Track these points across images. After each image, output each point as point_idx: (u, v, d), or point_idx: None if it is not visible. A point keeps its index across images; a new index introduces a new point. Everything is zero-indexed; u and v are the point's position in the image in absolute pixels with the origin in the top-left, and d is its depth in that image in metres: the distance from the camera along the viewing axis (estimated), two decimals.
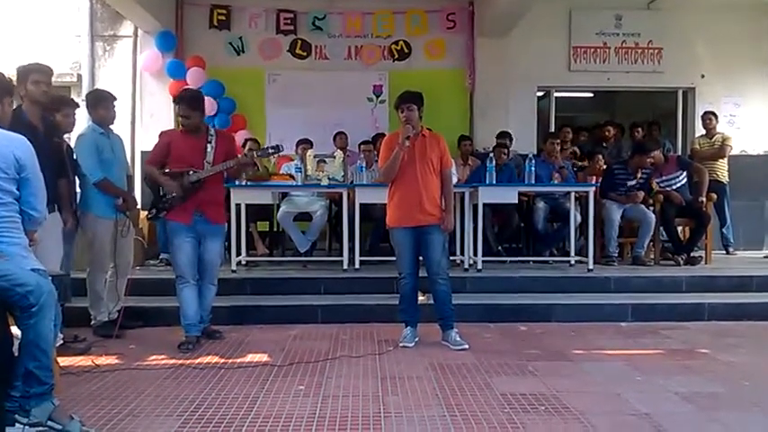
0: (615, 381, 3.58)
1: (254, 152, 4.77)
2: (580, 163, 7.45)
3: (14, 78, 3.82)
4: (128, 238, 4.76)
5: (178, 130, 4.44)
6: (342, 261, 5.93)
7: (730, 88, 8.32)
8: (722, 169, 7.55)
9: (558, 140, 7.02)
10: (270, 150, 4.77)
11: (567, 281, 5.80)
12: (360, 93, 8.12)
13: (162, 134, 4.50)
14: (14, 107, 3.75)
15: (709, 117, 7.63)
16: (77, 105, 4.64)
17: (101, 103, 4.62)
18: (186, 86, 7.57)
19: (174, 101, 4.38)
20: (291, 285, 5.66)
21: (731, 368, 3.89)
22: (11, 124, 3.12)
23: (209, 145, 4.31)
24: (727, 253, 7.55)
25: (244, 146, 6.73)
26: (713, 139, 7.59)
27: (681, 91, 8.60)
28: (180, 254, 4.31)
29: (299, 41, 8.05)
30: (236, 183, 5.78)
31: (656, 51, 8.28)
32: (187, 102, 4.31)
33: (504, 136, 7.34)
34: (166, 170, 4.30)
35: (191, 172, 4.24)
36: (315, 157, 6.50)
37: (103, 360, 4.03)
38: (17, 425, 2.64)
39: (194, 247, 4.33)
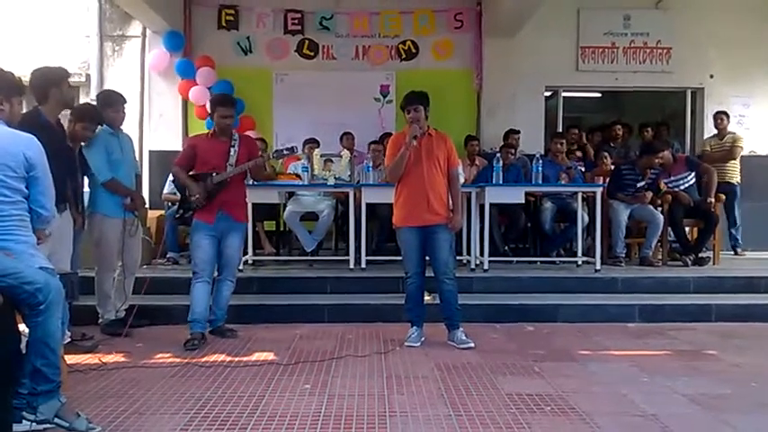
0: (622, 381, 3.57)
1: (270, 153, 4.84)
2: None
3: (39, 80, 3.87)
4: (135, 238, 4.79)
5: (203, 135, 4.75)
6: (348, 260, 5.93)
7: (739, 88, 8.26)
8: (733, 171, 7.51)
9: (564, 140, 6.99)
10: (285, 152, 4.85)
11: (574, 281, 5.78)
12: (367, 93, 8.12)
13: (189, 138, 4.71)
14: (28, 109, 3.81)
15: (720, 117, 7.60)
16: (100, 123, 4.54)
17: (110, 106, 4.64)
18: (196, 85, 7.66)
19: (212, 102, 4.67)
20: (298, 284, 5.68)
21: (739, 369, 3.87)
22: (29, 125, 3.15)
23: (232, 149, 4.49)
24: (736, 254, 7.50)
25: None
26: (724, 140, 7.55)
27: (689, 91, 8.54)
28: (198, 250, 4.42)
29: (307, 41, 8.06)
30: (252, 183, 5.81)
31: (665, 51, 8.24)
32: (226, 102, 4.58)
33: (511, 133, 7.37)
34: (191, 173, 4.51)
35: (214, 174, 4.41)
36: (321, 156, 6.51)
37: (110, 358, 4.05)
38: (24, 422, 2.66)
39: (213, 244, 4.44)
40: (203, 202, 4.40)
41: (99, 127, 4.52)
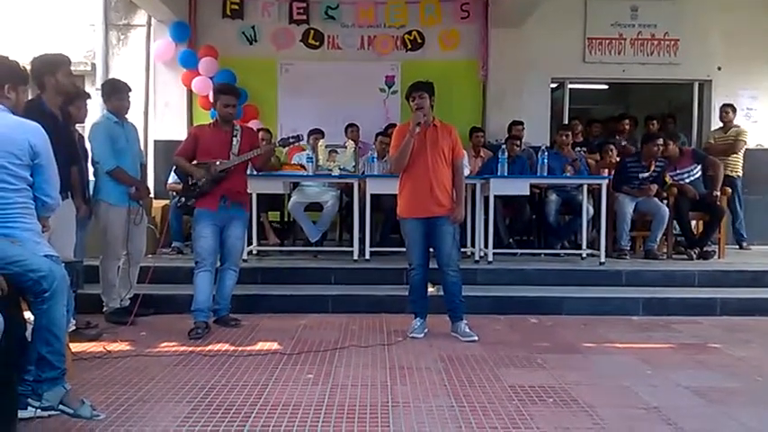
0: (625, 374, 3.57)
1: (276, 141, 4.84)
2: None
3: (36, 68, 3.86)
4: (140, 227, 4.80)
5: (206, 125, 4.76)
6: (352, 251, 5.93)
7: (747, 81, 8.20)
8: (735, 164, 7.46)
9: (569, 132, 6.98)
10: (291, 140, 4.84)
11: (579, 274, 5.76)
12: (372, 83, 8.10)
13: (191, 129, 4.72)
14: (32, 97, 3.80)
15: (726, 110, 7.55)
16: (89, 96, 4.68)
17: (115, 94, 4.66)
18: (199, 76, 7.64)
19: (215, 91, 4.71)
20: (302, 275, 5.68)
21: (743, 363, 3.86)
22: (31, 113, 3.15)
23: (234, 138, 4.52)
24: (741, 248, 7.47)
25: None
26: (728, 133, 7.51)
27: (697, 83, 8.49)
28: (201, 240, 4.42)
29: (312, 31, 8.04)
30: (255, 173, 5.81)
31: (673, 43, 8.19)
32: (229, 91, 4.63)
33: (514, 124, 7.36)
34: (194, 162, 4.51)
35: (217, 162, 4.41)
36: (326, 147, 6.50)
37: (115, 346, 4.07)
38: (29, 408, 2.67)
39: (215, 234, 4.45)
40: (209, 186, 4.39)
41: (89, 99, 4.58)
